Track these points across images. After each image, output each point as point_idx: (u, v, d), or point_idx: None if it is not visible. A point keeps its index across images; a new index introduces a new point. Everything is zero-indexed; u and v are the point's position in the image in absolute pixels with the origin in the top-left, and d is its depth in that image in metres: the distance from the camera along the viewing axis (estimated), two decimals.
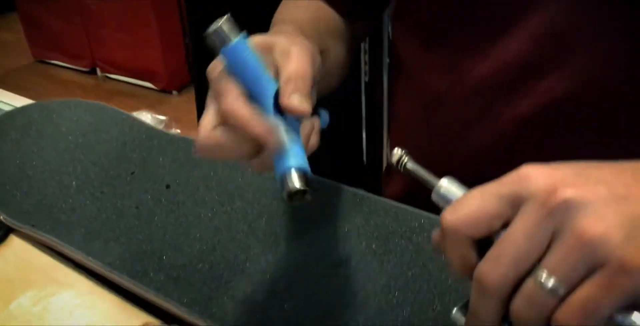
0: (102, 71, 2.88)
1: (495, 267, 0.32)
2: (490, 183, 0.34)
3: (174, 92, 2.71)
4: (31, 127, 0.77)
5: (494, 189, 0.33)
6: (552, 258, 0.31)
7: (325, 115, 0.46)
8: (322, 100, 0.48)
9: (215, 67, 0.44)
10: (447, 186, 0.37)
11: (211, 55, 0.44)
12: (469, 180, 0.38)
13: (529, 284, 0.31)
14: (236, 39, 0.41)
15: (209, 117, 0.43)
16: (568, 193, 0.31)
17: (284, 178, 0.39)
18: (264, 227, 0.60)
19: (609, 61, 0.51)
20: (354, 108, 1.56)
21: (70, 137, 0.75)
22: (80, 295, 0.56)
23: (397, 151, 0.40)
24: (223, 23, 0.41)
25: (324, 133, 0.45)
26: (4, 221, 0.62)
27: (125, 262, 0.57)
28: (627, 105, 0.53)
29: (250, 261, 0.56)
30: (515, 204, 0.32)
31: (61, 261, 0.59)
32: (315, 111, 0.44)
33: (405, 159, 0.40)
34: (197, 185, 0.66)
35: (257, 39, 0.45)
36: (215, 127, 0.42)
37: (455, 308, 0.37)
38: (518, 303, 0.32)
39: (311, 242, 0.57)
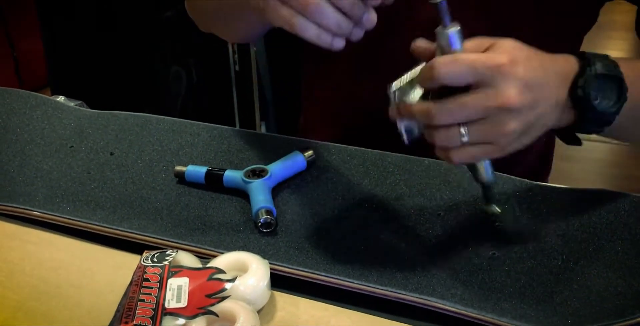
0: None
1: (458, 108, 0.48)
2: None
3: None
4: None
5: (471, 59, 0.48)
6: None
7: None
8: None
9: None
10: (456, 33, 0.49)
11: None
12: None
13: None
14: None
15: None
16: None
17: (258, 214, 0.58)
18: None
19: (480, 15, 0.69)
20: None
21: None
22: (58, 251, 0.59)
23: None
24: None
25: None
26: None
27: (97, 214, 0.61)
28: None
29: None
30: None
31: (27, 226, 0.62)
32: None
33: None
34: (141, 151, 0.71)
35: None
36: None
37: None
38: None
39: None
